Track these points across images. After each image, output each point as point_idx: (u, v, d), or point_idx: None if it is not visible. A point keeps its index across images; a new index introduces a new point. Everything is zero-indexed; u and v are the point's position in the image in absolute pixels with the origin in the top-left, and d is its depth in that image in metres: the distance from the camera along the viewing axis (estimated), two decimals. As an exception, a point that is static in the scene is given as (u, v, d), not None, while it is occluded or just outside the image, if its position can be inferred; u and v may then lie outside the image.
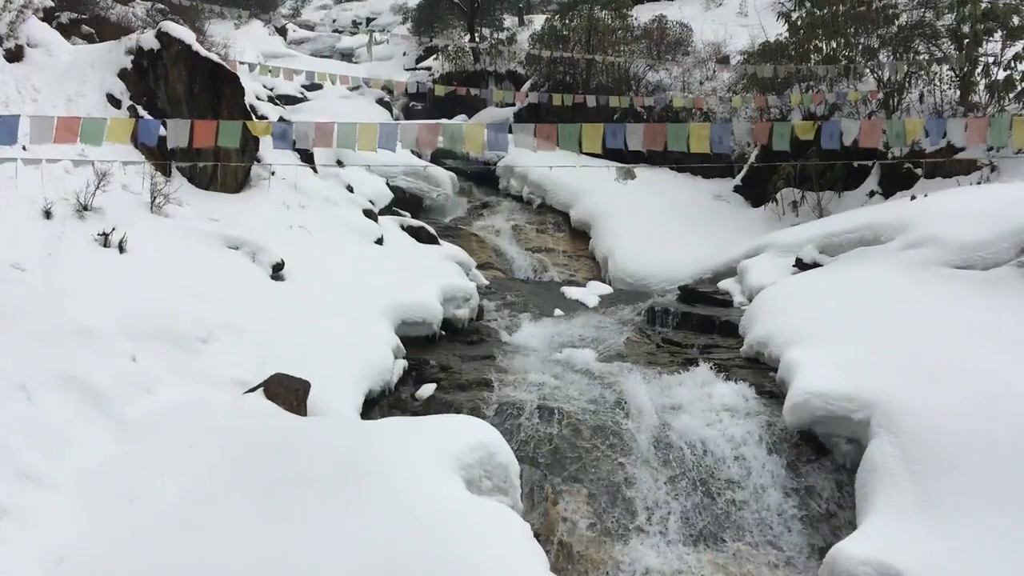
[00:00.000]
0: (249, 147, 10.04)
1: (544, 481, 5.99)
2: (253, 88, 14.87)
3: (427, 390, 7.34)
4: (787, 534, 5.65)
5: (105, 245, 6.84)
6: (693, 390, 7.16)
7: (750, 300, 9.37)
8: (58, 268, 6.12)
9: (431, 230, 12.34)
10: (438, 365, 7.88)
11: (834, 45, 14.18)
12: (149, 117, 8.85)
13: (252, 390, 5.67)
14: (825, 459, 6.14)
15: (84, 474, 4.49)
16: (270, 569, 3.90)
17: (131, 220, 7.33)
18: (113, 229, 6.93)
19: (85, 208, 7.13)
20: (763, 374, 7.46)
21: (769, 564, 5.41)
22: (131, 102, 9.48)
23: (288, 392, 5.69)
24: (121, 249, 6.90)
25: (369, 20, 39.33)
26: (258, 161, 10.31)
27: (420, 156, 16.40)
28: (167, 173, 8.94)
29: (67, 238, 6.60)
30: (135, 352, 5.55)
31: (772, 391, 7.02)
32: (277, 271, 8.05)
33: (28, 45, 9.14)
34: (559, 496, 5.86)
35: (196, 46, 9.93)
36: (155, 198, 8.04)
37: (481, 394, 7.13)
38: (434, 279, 9.32)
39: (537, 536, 4.72)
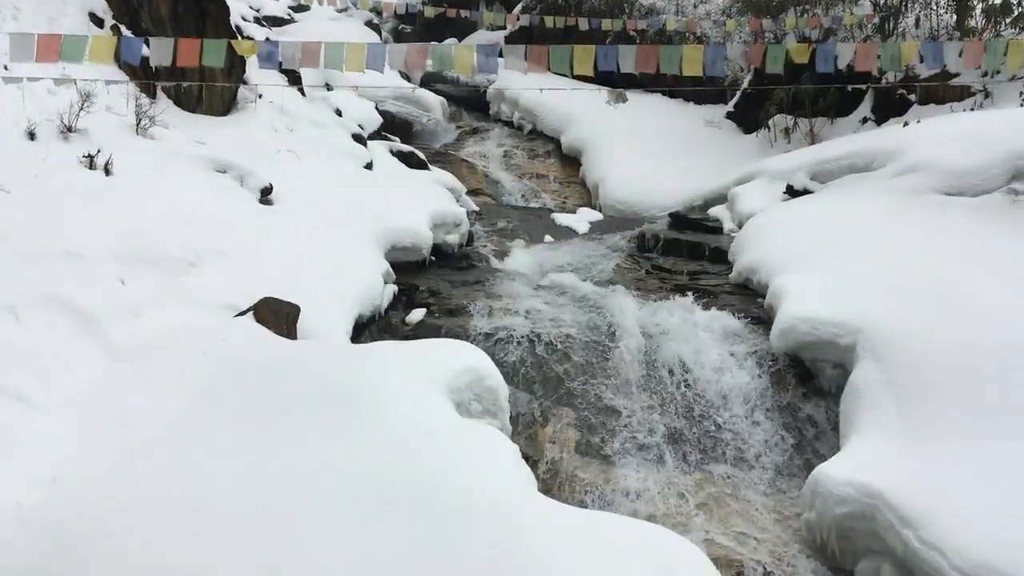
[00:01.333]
0: (235, 69, 9.86)
1: (532, 404, 6.05)
2: (239, 8, 14.54)
3: (417, 315, 7.36)
4: (771, 456, 5.75)
5: (91, 167, 6.75)
6: (682, 316, 7.19)
7: (740, 227, 9.37)
8: (44, 190, 6.05)
9: (421, 155, 12.23)
10: (428, 290, 7.89)
11: (831, -33, 13.92)
12: (132, 36, 8.66)
13: (242, 314, 5.67)
14: (811, 384, 6.22)
15: (74, 396, 4.50)
16: (260, 490, 3.94)
17: (116, 142, 7.23)
18: (98, 151, 6.84)
19: (69, 129, 7.01)
20: (751, 300, 7.50)
21: (753, 485, 5.51)
22: (114, 21, 9.27)
23: (278, 316, 5.69)
24: (107, 172, 6.81)
25: (357, -61, 38.26)
26: (244, 83, 10.14)
27: (409, 80, 16.15)
28: (152, 95, 8.79)
29: (52, 160, 6.51)
30: (123, 275, 5.53)
31: (760, 317, 7.06)
32: (265, 195, 7.98)
33: (6, -38, 8.88)
34: (547, 419, 5.94)
35: (179, -37, 9.67)
36: (140, 120, 7.91)
37: (471, 319, 7.16)
38: (424, 204, 9.26)
39: (525, 458, 4.79)
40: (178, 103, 9.33)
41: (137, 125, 7.89)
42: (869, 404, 5.22)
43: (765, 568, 4.65)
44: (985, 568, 3.92)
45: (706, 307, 7.30)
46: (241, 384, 4.89)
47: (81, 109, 7.16)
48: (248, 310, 5.67)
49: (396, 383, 4.84)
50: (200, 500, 3.83)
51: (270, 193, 8.03)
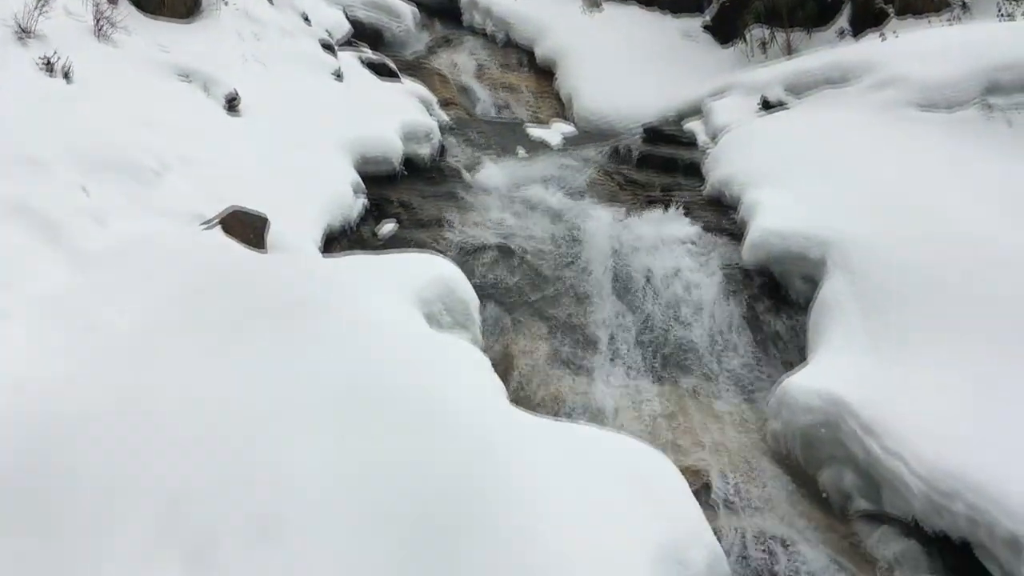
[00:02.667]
0: (198, -29, 9.52)
1: (503, 316, 6.07)
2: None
3: (388, 227, 7.30)
4: (739, 368, 5.83)
5: (50, 73, 6.53)
6: (654, 229, 7.19)
7: (714, 141, 9.31)
8: (1, 96, 5.85)
9: (392, 65, 11.95)
10: (399, 202, 7.81)
11: None
12: (88, -64, 8.29)
13: (209, 224, 5.58)
14: (780, 297, 6.27)
15: (39, 304, 4.43)
16: (232, 398, 3.93)
17: (76, 47, 6.98)
18: (57, 56, 6.61)
19: (26, 32, 6.75)
20: (724, 214, 7.50)
21: (721, 396, 5.60)
22: (68, -81, 8.87)
23: (246, 227, 5.61)
24: (67, 77, 6.59)
25: None
26: (208, -13, 9.79)
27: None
28: (111, -2, 8.47)
29: (9, 65, 6.28)
30: (86, 183, 5.40)
31: (732, 231, 7.07)
32: (232, 104, 7.79)
33: None
34: (518, 331, 5.96)
35: None
36: (100, 24, 7.63)
37: (442, 232, 7.11)
38: (395, 115, 9.09)
39: (496, 369, 4.81)
40: (139, 6, 9.01)
41: (97, 29, 7.62)
42: (837, 316, 5.28)
43: (731, 476, 4.74)
44: (943, 473, 4.04)
45: (679, 220, 7.29)
46: (210, 293, 4.83)
47: (38, 11, 6.88)
48: (216, 220, 5.57)
49: (366, 295, 4.82)
50: (172, 406, 3.81)
51: (236, 101, 7.84)
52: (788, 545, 4.31)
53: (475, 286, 5.55)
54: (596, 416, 5.27)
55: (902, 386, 4.59)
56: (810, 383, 4.85)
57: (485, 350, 5.30)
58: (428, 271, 5.29)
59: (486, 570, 3.16)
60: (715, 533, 3.95)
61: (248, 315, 4.55)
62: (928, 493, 4.06)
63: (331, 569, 2.98)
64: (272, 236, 5.83)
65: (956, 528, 4.01)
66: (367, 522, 3.17)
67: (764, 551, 4.28)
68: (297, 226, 6.22)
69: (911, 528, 4.29)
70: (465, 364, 4.54)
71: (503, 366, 5.58)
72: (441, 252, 6.43)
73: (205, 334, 4.40)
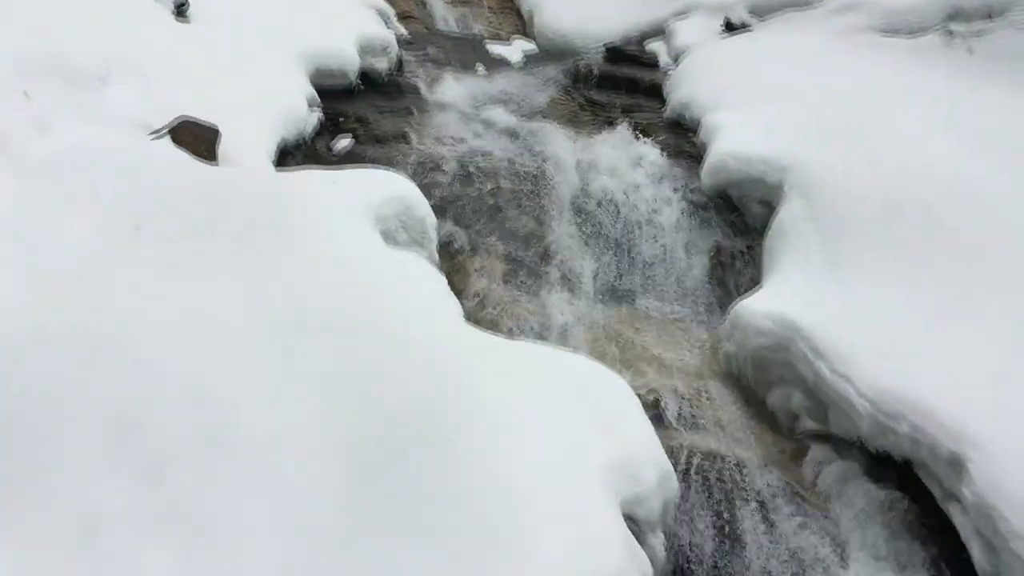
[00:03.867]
0: None
1: (460, 235, 6.01)
2: None
3: (343, 143, 7.15)
4: (696, 292, 5.87)
5: (-15, -29, 6.20)
6: (614, 150, 7.13)
7: (676, 62, 9.21)
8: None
9: (348, -25, 11.57)
10: (355, 118, 7.63)
11: None
12: None
13: (158, 134, 5.40)
14: (737, 221, 6.29)
15: (-20, 216, 4.28)
16: (186, 320, 3.85)
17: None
18: (-8, -47, 6.27)
19: (-42, -72, 6.39)
20: (684, 137, 7.46)
21: (677, 320, 5.65)
22: None
23: (197, 139, 5.44)
24: (3, -23, 6.27)
25: None
26: None
27: None
28: None
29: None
30: (27, 88, 5.17)
31: (692, 153, 7.05)
32: (181, 9, 7.48)
33: None
34: (475, 250, 5.92)
35: None
36: (39, -79, 7.24)
37: (399, 148, 6.99)
38: (351, 27, 8.83)
39: (452, 289, 4.78)
40: (81, -96, 8.56)
41: (35, -74, 7.23)
42: (793, 241, 5.31)
43: (683, 397, 4.81)
44: (889, 395, 4.14)
45: (639, 142, 7.23)
46: (161, 208, 4.69)
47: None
48: (165, 131, 5.40)
49: (321, 210, 4.73)
50: (123, 325, 3.73)
51: (185, 7, 7.53)
52: (736, 463, 4.41)
53: (432, 204, 5.48)
54: (551, 336, 5.29)
55: (853, 311, 4.66)
56: (763, 306, 4.91)
57: (441, 269, 5.27)
58: (385, 188, 5.20)
59: (440, 486, 3.18)
60: (666, 451, 4.03)
61: (199, 231, 4.43)
62: (874, 414, 4.16)
63: (283, 487, 2.97)
64: (224, 148, 5.67)
65: (899, 448, 4.12)
66: (320, 441, 3.16)
67: (713, 469, 4.37)
68: (250, 139, 6.06)
69: (855, 447, 4.41)
70: (421, 282, 4.51)
71: (459, 285, 5.55)
72: (398, 169, 6.32)
73: (157, 251, 4.29)
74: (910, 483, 4.24)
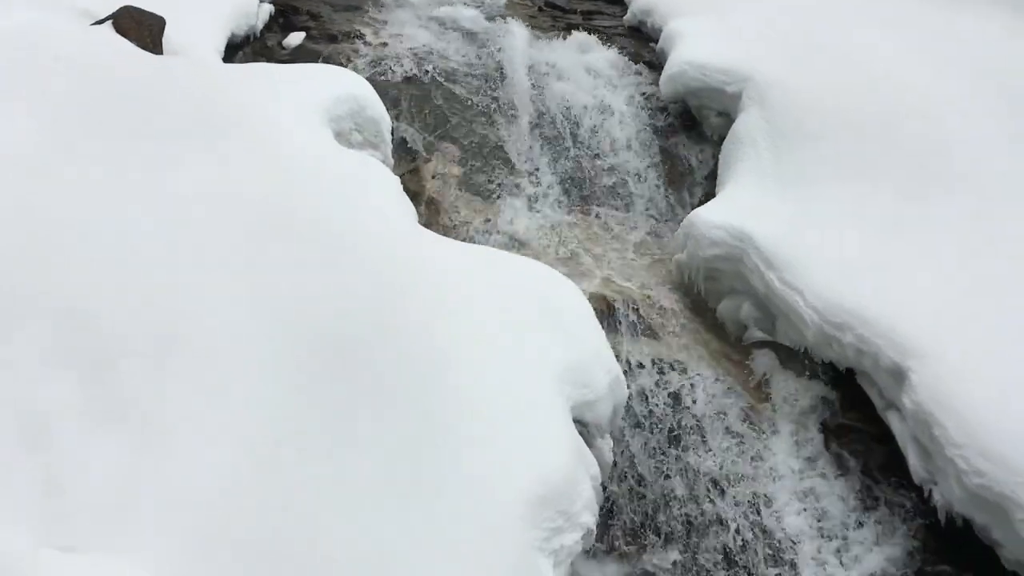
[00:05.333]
0: None
1: (416, 138, 5.91)
2: None
3: (295, 39, 6.90)
4: (651, 201, 5.87)
5: None
6: (573, 56, 6.99)
7: (638, -33, 8.99)
8: None
9: None
10: (308, 13, 7.36)
11: None
12: None
13: (100, 22, 5.16)
14: (695, 131, 6.26)
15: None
16: (128, 217, 3.73)
17: None
18: None
19: None
20: (644, 44, 7.34)
21: (630, 228, 5.66)
22: None
23: (141, 27, 5.20)
24: None
25: None
26: None
27: None
28: None
29: None
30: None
31: (651, 61, 6.95)
32: None
33: None
34: (431, 154, 5.83)
35: None
36: None
37: (353, 46, 6.78)
38: (303, -84, 8.45)
39: (407, 192, 4.72)
40: None
41: None
42: (748, 152, 5.31)
43: (635, 305, 4.84)
44: (836, 306, 4.23)
45: (598, 48, 7.11)
46: (106, 102, 4.49)
47: None
48: (108, 18, 5.15)
49: (272, 107, 4.59)
50: (68, 223, 3.60)
51: None
52: (684, 370, 4.49)
53: (387, 105, 5.35)
54: (506, 241, 5.28)
55: (806, 223, 4.70)
56: (717, 217, 4.93)
57: (396, 171, 5.18)
58: (338, 87, 5.05)
59: (397, 390, 3.18)
60: (617, 357, 4.08)
61: (148, 128, 4.26)
62: (821, 325, 4.25)
63: (236, 383, 2.94)
64: (169, 39, 5.44)
65: (844, 358, 4.23)
66: (275, 343, 3.12)
67: (662, 374, 4.44)
68: (196, 30, 5.81)
69: (801, 357, 4.51)
70: (375, 185, 4.43)
71: (414, 188, 5.48)
72: (352, 68, 6.15)
73: (103, 146, 4.13)
74: (852, 392, 4.37)
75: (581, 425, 3.73)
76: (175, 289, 3.26)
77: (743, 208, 4.93)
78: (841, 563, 3.93)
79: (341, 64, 6.25)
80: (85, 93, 4.49)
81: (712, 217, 4.93)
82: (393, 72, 6.41)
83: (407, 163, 5.75)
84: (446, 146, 5.91)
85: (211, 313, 3.15)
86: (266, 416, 2.83)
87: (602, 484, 3.72)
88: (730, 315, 4.89)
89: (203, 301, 3.25)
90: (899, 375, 3.94)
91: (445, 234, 4.99)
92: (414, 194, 5.34)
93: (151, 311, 3.08)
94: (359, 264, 3.62)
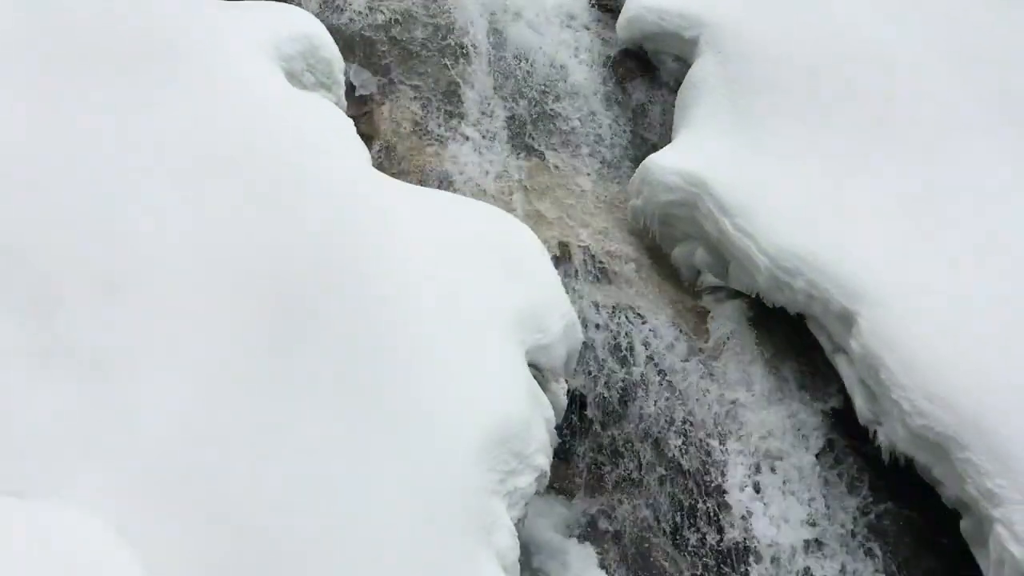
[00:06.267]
0: None
1: (369, 80, 5.80)
2: None
3: (243, -25, 6.71)
4: (606, 147, 5.85)
5: None
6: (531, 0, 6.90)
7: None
8: None
9: None
10: (256, -51, 7.15)
11: None
12: None
13: (37, -45, 4.95)
14: (651, 76, 6.22)
15: None
16: (70, 153, 3.62)
17: None
18: None
19: None
20: (601, -13, 7.26)
21: (585, 173, 5.64)
22: None
23: (81, -39, 5.01)
24: None
25: None
26: None
27: None
28: None
29: None
30: None
31: (608, 5, 6.86)
32: None
33: None
34: (385, 97, 5.74)
35: None
36: None
37: (304, -16, 6.61)
38: None
39: (360, 134, 4.64)
40: None
41: None
42: (705, 98, 5.29)
43: (590, 250, 4.85)
44: (788, 252, 4.29)
45: (555, -9, 7.01)
46: (46, 34, 4.34)
47: None
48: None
49: (221, 44, 4.46)
50: (11, 159, 3.48)
51: None
52: (638, 315, 4.52)
53: (339, 45, 5.23)
54: (461, 186, 5.23)
55: (760, 169, 4.73)
56: (672, 162, 4.93)
57: (349, 114, 5.09)
58: (289, 25, 4.92)
59: (350, 332, 3.16)
60: (571, 302, 4.09)
61: (87, 62, 4.12)
62: (772, 270, 4.30)
63: (184, 331, 2.90)
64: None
65: (794, 303, 4.30)
66: (223, 285, 3.08)
67: (616, 320, 4.47)
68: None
69: (752, 301, 4.57)
70: (328, 127, 4.36)
71: (367, 132, 5.39)
72: (302, 5, 5.99)
73: (39, 80, 3.99)
74: (802, 337, 4.44)
75: (535, 369, 3.75)
76: (118, 230, 3.19)
77: (698, 154, 4.93)
78: (788, 496, 4.04)
79: (292, 2, 6.09)
80: (16, 19, 4.31)
81: (667, 163, 4.93)
82: (346, 11, 6.26)
83: (360, 106, 5.65)
84: (400, 89, 5.81)
85: (156, 254, 3.09)
86: (215, 358, 2.80)
87: (556, 427, 3.76)
88: (684, 261, 4.93)
89: (146, 242, 3.18)
90: (848, 320, 4.02)
91: (399, 178, 4.93)
92: (367, 137, 5.26)
93: (92, 251, 3.01)
94: (311, 207, 3.58)
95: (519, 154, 5.65)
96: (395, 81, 5.84)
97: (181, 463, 2.50)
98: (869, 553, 3.89)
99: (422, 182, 5.16)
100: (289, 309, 3.05)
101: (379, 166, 5.01)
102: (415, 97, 5.80)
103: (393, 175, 4.83)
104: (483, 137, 5.67)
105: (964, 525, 3.67)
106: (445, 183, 5.23)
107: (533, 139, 5.76)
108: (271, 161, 3.80)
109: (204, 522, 2.43)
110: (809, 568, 3.89)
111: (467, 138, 5.64)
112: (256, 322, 3.00)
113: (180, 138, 3.79)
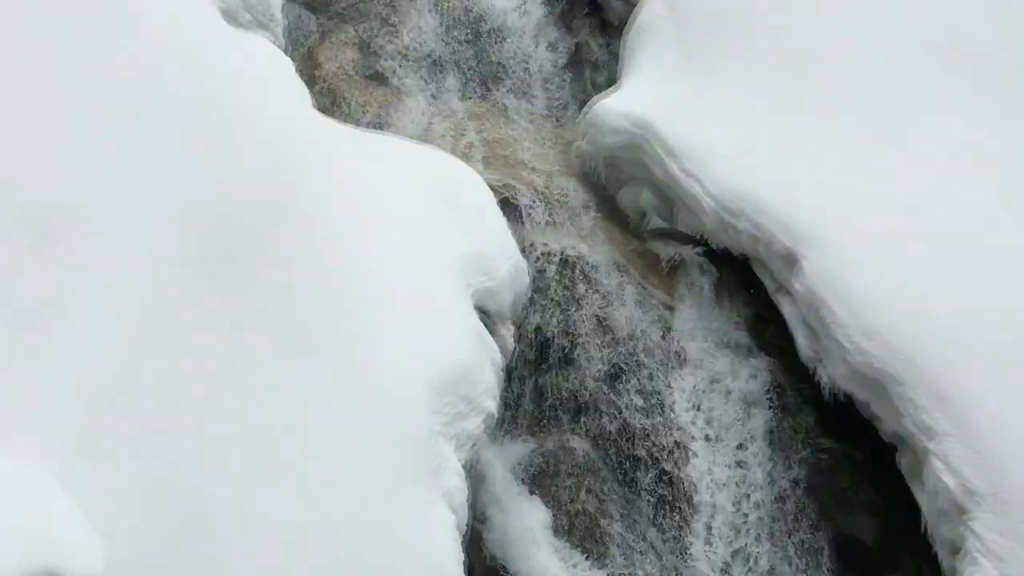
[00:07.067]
0: None
1: (308, 19, 5.66)
2: None
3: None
4: (552, 89, 5.80)
5: None
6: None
7: None
8: None
9: None
10: None
11: None
12: None
13: None
14: (598, 17, 6.15)
15: None
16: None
17: None
18: None
19: None
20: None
21: (531, 116, 5.59)
22: None
23: None
24: None
25: None
26: None
27: None
28: None
29: None
30: None
31: (553, -55, 6.76)
32: None
33: None
34: (325, 36, 5.59)
35: None
36: None
37: (239, -80, 6.38)
38: None
39: (300, 77, 4.53)
40: None
41: None
42: (651, 39, 5.23)
43: (537, 193, 4.82)
44: (733, 193, 4.32)
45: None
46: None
47: None
48: None
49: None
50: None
51: None
52: (585, 257, 4.51)
53: (276, -16, 5.08)
54: (404, 128, 5.14)
55: (706, 112, 4.73)
56: (619, 105, 4.90)
57: (288, 53, 4.96)
58: (223, -39, 4.75)
59: (295, 276, 3.11)
60: (518, 246, 4.08)
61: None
62: (718, 212, 4.33)
63: (120, 275, 2.83)
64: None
65: (739, 244, 4.34)
66: (163, 228, 3.00)
67: (563, 263, 4.46)
68: None
69: (698, 243, 4.59)
70: (267, 67, 4.24)
71: (307, 72, 5.26)
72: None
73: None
74: (746, 279, 4.49)
75: (483, 313, 3.74)
76: (54, 174, 3.09)
77: (645, 96, 4.90)
78: (731, 434, 4.12)
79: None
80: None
81: (614, 106, 4.90)
82: (283, -52, 6.07)
83: (300, 45, 5.51)
84: (341, 28, 5.67)
85: (92, 197, 3.00)
86: (152, 303, 2.73)
87: (504, 370, 3.76)
88: (631, 204, 4.93)
89: (84, 186, 3.09)
90: (791, 260, 4.08)
91: (341, 120, 4.83)
92: (308, 79, 5.13)
93: (27, 197, 2.91)
94: (250, 149, 3.49)
95: (464, 96, 5.58)
96: (335, 18, 5.70)
97: (118, 406, 2.45)
98: (810, 487, 3.99)
99: (365, 124, 5.07)
100: (229, 253, 2.98)
101: (320, 108, 4.89)
102: (356, 35, 5.67)
103: (335, 117, 4.73)
104: (426, 79, 5.58)
105: (901, 459, 3.78)
106: (388, 125, 5.14)
107: (478, 81, 5.69)
108: (208, 102, 3.69)
109: (142, 470, 2.39)
110: (751, 503, 3.99)
111: (411, 79, 5.54)
112: (195, 266, 2.93)
113: (114, 78, 3.66)
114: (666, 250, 4.67)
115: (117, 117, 3.47)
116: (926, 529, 3.60)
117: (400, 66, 5.58)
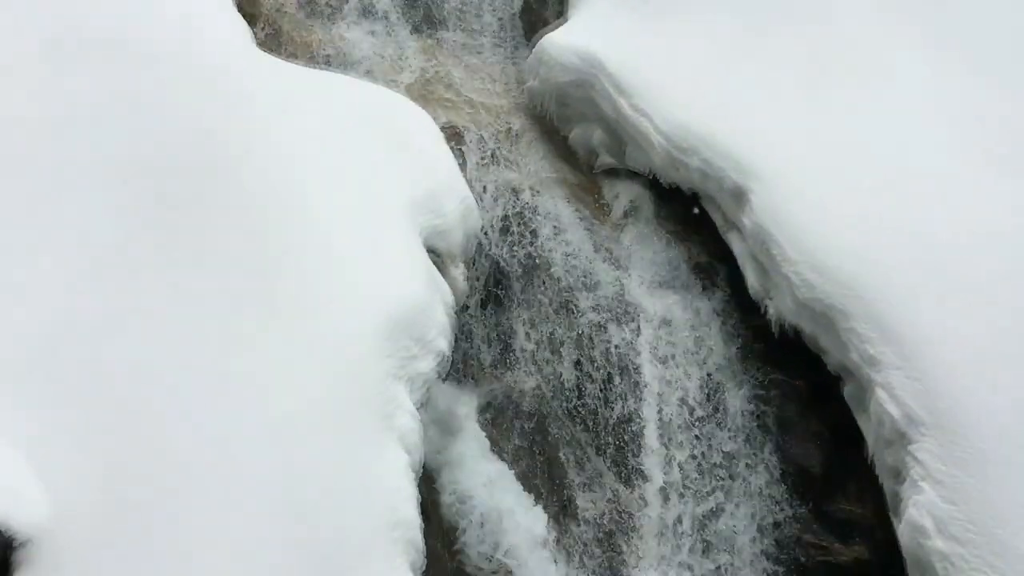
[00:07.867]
0: None
1: (250, -47, 5.46)
2: None
3: None
4: (502, 26, 5.68)
5: None
6: None
7: None
8: None
9: None
10: None
11: None
12: None
13: None
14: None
15: None
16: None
17: None
18: None
19: None
20: None
21: (480, 54, 5.48)
22: None
23: None
24: None
25: None
26: None
27: None
28: None
29: None
30: None
31: None
32: None
33: None
34: (267, -29, 5.41)
35: None
36: None
37: None
38: None
39: (242, 13, 4.40)
40: None
41: None
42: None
43: (486, 132, 4.76)
44: (682, 128, 4.32)
45: None
46: None
47: None
48: None
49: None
50: None
51: None
52: (535, 196, 4.49)
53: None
54: (351, 67, 5.02)
55: (656, 49, 4.69)
56: (568, 41, 4.84)
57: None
58: None
59: (242, 217, 3.04)
60: (468, 185, 4.03)
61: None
62: (668, 149, 4.32)
63: (61, 216, 2.75)
64: None
65: (689, 181, 4.34)
66: (104, 170, 2.91)
67: (513, 202, 4.43)
68: None
69: (648, 181, 4.59)
70: (205, 4, 4.10)
71: (249, 10, 5.08)
72: None
73: None
74: (695, 216, 4.50)
75: (434, 254, 3.71)
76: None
77: (595, 33, 4.84)
78: (680, 368, 4.16)
79: None
80: None
81: (564, 42, 4.84)
82: None
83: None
84: (284, -37, 5.49)
85: (28, 142, 2.89)
86: (96, 244, 2.66)
87: (456, 311, 3.74)
88: (581, 142, 4.89)
89: (19, 129, 2.98)
90: (740, 197, 4.09)
91: (284, 59, 4.71)
92: (250, 16, 4.96)
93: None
94: (191, 89, 3.38)
95: (410, 33, 5.45)
96: (277, -46, 5.51)
97: (58, 349, 2.39)
98: (759, 419, 4.06)
99: (309, 63, 4.93)
100: (172, 194, 2.90)
101: (263, 46, 4.75)
102: (300, -28, 5.49)
103: (278, 56, 4.60)
104: (373, 14, 5.43)
105: (847, 390, 3.84)
106: (334, 64, 5.01)
107: (425, 17, 5.55)
108: (147, 41, 3.56)
109: (86, 417, 2.35)
110: (699, 436, 4.05)
111: (356, 15, 5.40)
112: (138, 209, 2.85)
113: (51, 20, 3.52)
114: (617, 188, 4.66)
115: (53, 57, 3.34)
116: (871, 458, 3.69)
117: (344, 2, 5.43)
